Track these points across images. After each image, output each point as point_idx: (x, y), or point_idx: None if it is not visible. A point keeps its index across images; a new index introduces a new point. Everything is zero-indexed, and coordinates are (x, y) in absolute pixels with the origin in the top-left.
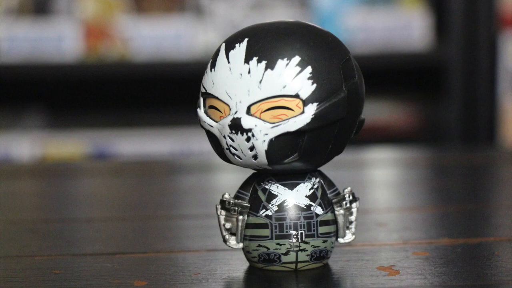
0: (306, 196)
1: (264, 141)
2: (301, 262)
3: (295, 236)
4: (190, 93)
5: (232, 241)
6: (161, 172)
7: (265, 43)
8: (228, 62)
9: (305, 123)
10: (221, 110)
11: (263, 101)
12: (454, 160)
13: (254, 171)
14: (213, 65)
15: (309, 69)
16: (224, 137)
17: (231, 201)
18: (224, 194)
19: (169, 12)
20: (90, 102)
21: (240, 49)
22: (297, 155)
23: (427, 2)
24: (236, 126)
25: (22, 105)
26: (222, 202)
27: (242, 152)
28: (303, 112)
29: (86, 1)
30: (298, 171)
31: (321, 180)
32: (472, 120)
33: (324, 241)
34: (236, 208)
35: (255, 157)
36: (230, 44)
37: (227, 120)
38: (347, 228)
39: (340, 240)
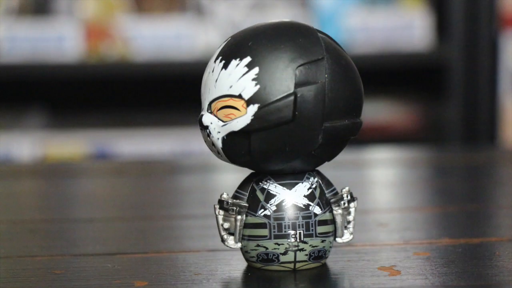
0: (305, 196)
1: (218, 138)
2: (299, 261)
3: (293, 236)
4: (190, 93)
5: (230, 241)
6: (161, 172)
7: (234, 43)
8: (213, 61)
9: (246, 124)
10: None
11: (217, 99)
12: (455, 160)
13: (252, 170)
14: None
15: (256, 70)
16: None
17: (229, 201)
18: (222, 194)
19: (170, 12)
20: (91, 102)
21: (218, 48)
22: (248, 156)
23: (428, 2)
24: (199, 122)
25: (23, 105)
26: (220, 202)
27: (209, 148)
28: (246, 112)
29: (87, 1)
30: (295, 171)
31: (319, 180)
32: (473, 120)
33: (323, 241)
34: (235, 208)
35: (218, 152)
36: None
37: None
38: (345, 227)
39: (338, 240)
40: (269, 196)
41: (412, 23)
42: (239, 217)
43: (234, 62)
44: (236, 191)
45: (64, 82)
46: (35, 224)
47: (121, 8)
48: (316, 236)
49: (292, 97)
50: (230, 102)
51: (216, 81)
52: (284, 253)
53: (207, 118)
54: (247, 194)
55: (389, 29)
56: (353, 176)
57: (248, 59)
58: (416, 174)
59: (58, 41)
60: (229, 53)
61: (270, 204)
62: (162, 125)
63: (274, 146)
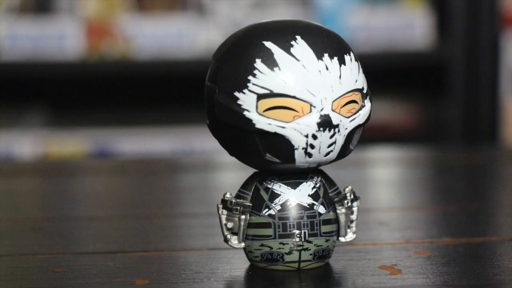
0: (309, 195)
1: (344, 135)
2: (304, 261)
3: (298, 235)
4: (192, 91)
5: (234, 240)
6: (163, 171)
7: (321, 39)
8: (297, 60)
9: (368, 115)
10: (297, 109)
11: (343, 96)
12: (456, 159)
13: (255, 170)
14: (273, 64)
15: (359, 63)
16: (307, 136)
17: (233, 201)
18: (226, 193)
19: (171, 10)
20: (92, 100)
21: (302, 46)
22: (352, 147)
23: (429, 1)
24: (325, 123)
25: (24, 104)
26: (224, 201)
27: (319, 150)
28: (364, 104)
29: (88, 0)
30: (304, 170)
31: (323, 179)
32: (474, 119)
33: (327, 240)
34: (238, 208)
35: (328, 153)
36: (281, 42)
37: (313, 118)
38: (348, 227)
39: (342, 239)
40: (274, 195)
41: (413, 22)
42: (243, 216)
43: (347, 57)
44: (239, 191)
45: (65, 80)
46: (36, 222)
47: (122, 7)
48: (320, 235)
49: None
50: (353, 96)
51: (340, 77)
52: (289, 253)
53: (336, 117)
54: (251, 193)
55: (390, 28)
56: (354, 175)
57: (352, 54)
58: (417, 173)
59: (60, 39)
60: (333, 49)
61: (275, 204)
62: (163, 124)
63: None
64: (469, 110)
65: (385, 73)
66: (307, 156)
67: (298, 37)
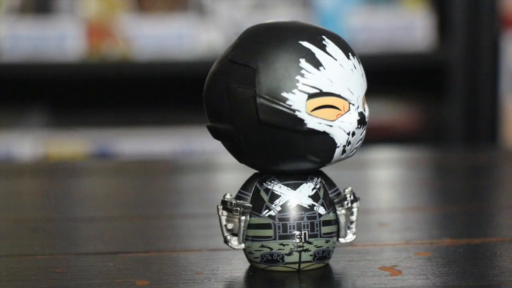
0: (309, 196)
1: (365, 131)
2: (304, 262)
3: (298, 236)
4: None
5: (234, 241)
6: (163, 172)
7: (338, 39)
8: (335, 59)
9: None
10: (340, 108)
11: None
12: (456, 160)
13: (256, 171)
14: (317, 64)
15: None
16: (349, 133)
17: (233, 202)
18: (226, 194)
19: (172, 11)
20: (92, 101)
21: (332, 46)
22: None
23: (430, 2)
24: (362, 120)
25: (24, 104)
26: (224, 202)
27: (351, 147)
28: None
29: (89, 0)
30: (307, 171)
31: (323, 180)
32: (474, 120)
33: (327, 241)
34: (238, 209)
35: (355, 149)
36: (315, 42)
37: (354, 116)
38: (348, 228)
39: (341, 240)
40: (274, 196)
41: (413, 23)
42: (243, 217)
43: (356, 58)
44: (239, 192)
45: (65, 81)
46: (37, 223)
47: (122, 7)
48: (320, 236)
49: None
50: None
51: (362, 75)
52: (289, 254)
53: (366, 113)
54: (251, 194)
55: (390, 29)
56: (354, 176)
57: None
58: (417, 174)
59: (60, 40)
60: (349, 49)
61: (275, 205)
62: (163, 125)
63: None
64: (469, 111)
65: (385, 74)
66: (343, 153)
67: (324, 37)
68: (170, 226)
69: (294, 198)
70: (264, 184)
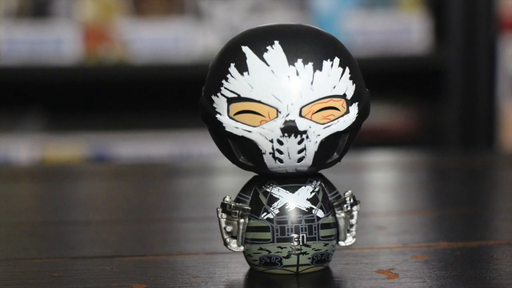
0: (308, 199)
1: (316, 142)
2: (302, 265)
3: (296, 239)
4: (189, 96)
5: (233, 244)
6: (160, 175)
7: (300, 45)
8: (267, 65)
9: (352, 122)
10: (263, 114)
11: (315, 102)
12: (453, 163)
13: (255, 174)
14: (243, 69)
15: (347, 69)
16: (271, 141)
17: (232, 204)
18: (225, 197)
19: (169, 15)
20: (89, 105)
21: (276, 52)
22: (337, 155)
23: (426, 5)
24: (290, 128)
25: (21, 108)
26: (223, 205)
27: (288, 155)
28: (348, 111)
29: (86, 4)
30: (303, 174)
31: (322, 183)
32: (471, 123)
33: (325, 244)
34: (237, 211)
35: (300, 159)
36: (257, 47)
37: (277, 123)
38: (348, 231)
39: (341, 243)
40: (272, 199)
41: (410, 26)
42: (242, 220)
43: (326, 63)
44: (239, 194)
45: (62, 84)
46: (34, 226)
47: (119, 11)
48: (319, 239)
49: (368, 94)
50: (330, 103)
51: (311, 83)
52: (287, 257)
53: (303, 123)
54: (250, 197)
55: (387, 32)
56: (351, 179)
57: (337, 60)
58: (414, 177)
59: (57, 43)
60: (310, 55)
61: (273, 208)
62: (160, 128)
63: (350, 143)
64: (466, 114)
65: (382, 77)
66: (277, 161)
67: (276, 42)
68: (167, 229)
69: (292, 201)
70: (263, 187)
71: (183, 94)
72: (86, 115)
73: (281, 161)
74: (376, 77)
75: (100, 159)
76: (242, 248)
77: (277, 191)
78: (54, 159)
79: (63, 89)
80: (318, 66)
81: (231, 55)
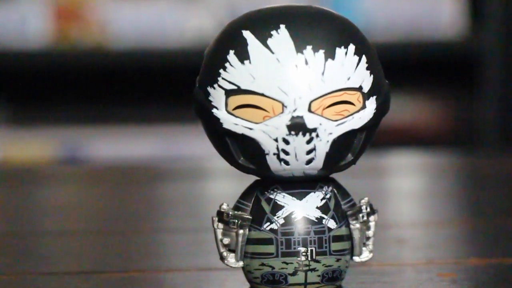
0: (317, 208)
1: (328, 141)
2: (310, 283)
3: (304, 254)
4: (178, 86)
5: (231, 259)
6: (144, 179)
7: (310, 29)
8: (272, 52)
9: (369, 119)
10: (267, 109)
11: (326, 95)
12: (489, 167)
13: (257, 178)
14: (244, 57)
15: (364, 58)
16: (276, 140)
17: (230, 213)
18: (222, 204)
19: None
20: (60, 95)
21: (282, 37)
22: (351, 156)
23: None
24: (298, 126)
25: None
26: (220, 213)
27: (296, 157)
28: (364, 106)
29: None
30: (312, 178)
31: (334, 189)
32: None
33: (338, 260)
34: (236, 221)
35: (309, 161)
36: (260, 31)
37: (283, 120)
38: (364, 244)
39: (356, 258)
40: (276, 207)
41: (440, 6)
42: (241, 231)
43: (340, 51)
44: (237, 201)
45: (28, 71)
46: None
47: None
48: (330, 254)
49: (388, 85)
50: (344, 96)
51: (322, 74)
52: (293, 274)
53: (313, 119)
54: (251, 205)
55: (413, 13)
56: (369, 184)
57: (352, 47)
58: (444, 183)
59: (21, 24)
60: (321, 41)
61: (277, 217)
62: (144, 123)
63: (367, 143)
64: (507, 109)
65: (408, 66)
66: (282, 163)
67: (282, 26)
68: (153, 242)
69: (299, 210)
70: (266, 193)
71: (171, 84)
72: (57, 107)
73: (287, 163)
74: (399, 67)
75: (72, 159)
76: (241, 263)
77: (282, 197)
78: (19, 159)
79: (30, 77)
80: (330, 54)
81: (230, 41)
